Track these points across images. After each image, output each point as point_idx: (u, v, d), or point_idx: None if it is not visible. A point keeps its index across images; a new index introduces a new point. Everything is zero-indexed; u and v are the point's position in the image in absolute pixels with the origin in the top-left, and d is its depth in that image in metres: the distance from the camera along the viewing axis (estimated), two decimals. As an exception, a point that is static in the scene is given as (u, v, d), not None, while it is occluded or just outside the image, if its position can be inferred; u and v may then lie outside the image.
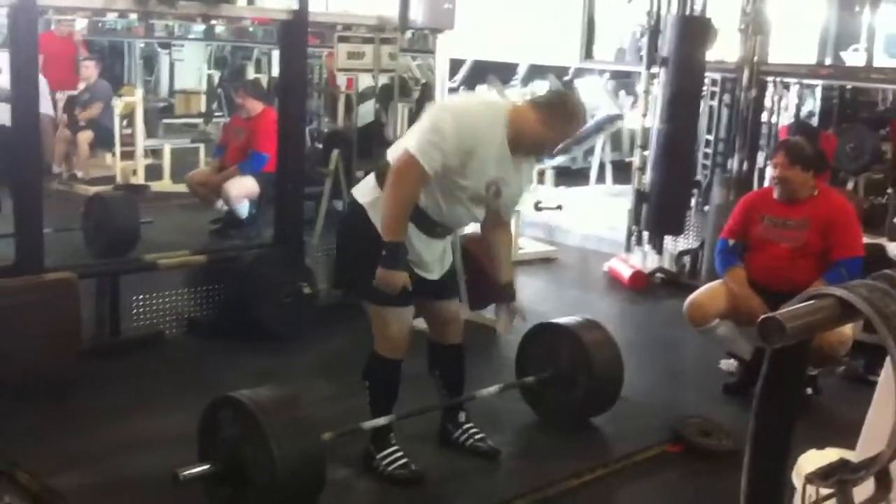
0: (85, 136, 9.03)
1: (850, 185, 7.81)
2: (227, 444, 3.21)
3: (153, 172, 9.33)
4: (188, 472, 3.17)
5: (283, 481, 3.07)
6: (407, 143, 3.43)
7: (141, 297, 5.16)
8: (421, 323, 3.86)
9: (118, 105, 9.16)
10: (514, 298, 3.77)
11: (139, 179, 9.08)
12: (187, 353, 5.09)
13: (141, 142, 9.29)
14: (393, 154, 3.52)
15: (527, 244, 7.67)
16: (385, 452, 3.64)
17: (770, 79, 7.06)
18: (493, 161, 3.47)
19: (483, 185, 3.50)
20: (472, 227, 4.03)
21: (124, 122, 9.41)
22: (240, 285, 5.27)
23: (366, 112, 7.58)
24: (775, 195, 4.68)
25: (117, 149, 9.11)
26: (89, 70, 9.21)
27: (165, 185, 9.14)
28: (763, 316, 1.26)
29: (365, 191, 3.61)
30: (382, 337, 3.59)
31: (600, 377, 4.10)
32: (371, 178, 3.62)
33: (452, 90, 9.73)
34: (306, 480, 3.18)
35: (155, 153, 9.75)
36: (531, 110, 3.49)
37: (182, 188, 8.14)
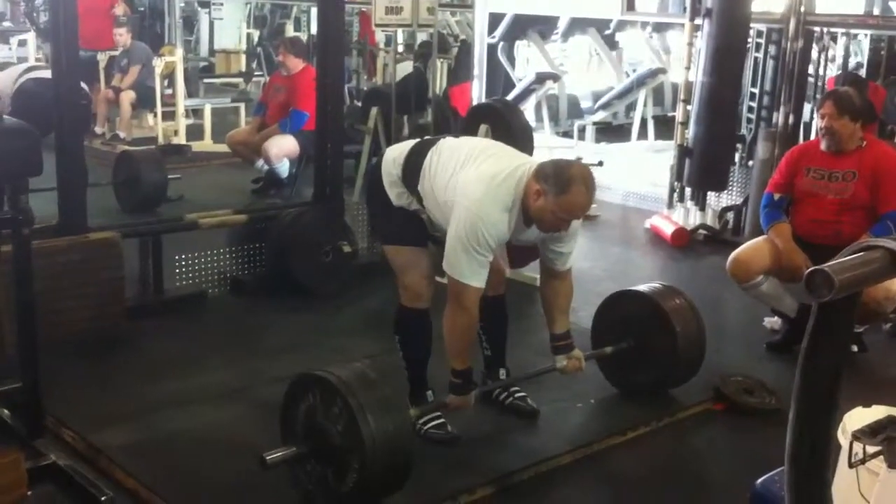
0: (127, 97, 9.11)
1: (897, 139, 7.65)
2: (313, 425, 3.04)
3: (194, 132, 9.39)
4: (274, 455, 3.02)
5: (374, 463, 2.91)
6: (452, 265, 3.29)
7: (183, 256, 5.20)
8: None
9: (159, 65, 9.19)
10: (573, 348, 3.73)
11: (180, 139, 9.14)
12: (230, 312, 5.13)
13: (182, 102, 9.34)
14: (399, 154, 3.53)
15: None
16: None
17: (816, 29, 6.90)
18: (518, 234, 3.41)
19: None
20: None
21: (165, 83, 9.46)
22: (280, 244, 5.29)
23: (403, 70, 7.54)
24: (822, 146, 4.59)
25: (158, 109, 9.18)
26: (123, 37, 9.32)
27: (206, 144, 9.20)
28: (811, 268, 1.23)
29: (392, 156, 3.59)
30: (403, 286, 3.61)
31: (684, 352, 3.96)
32: (403, 149, 3.59)
33: (492, 45, 9.67)
34: (397, 460, 3.01)
35: (196, 113, 9.80)
36: (534, 180, 3.20)
37: (223, 148, 8.19)
